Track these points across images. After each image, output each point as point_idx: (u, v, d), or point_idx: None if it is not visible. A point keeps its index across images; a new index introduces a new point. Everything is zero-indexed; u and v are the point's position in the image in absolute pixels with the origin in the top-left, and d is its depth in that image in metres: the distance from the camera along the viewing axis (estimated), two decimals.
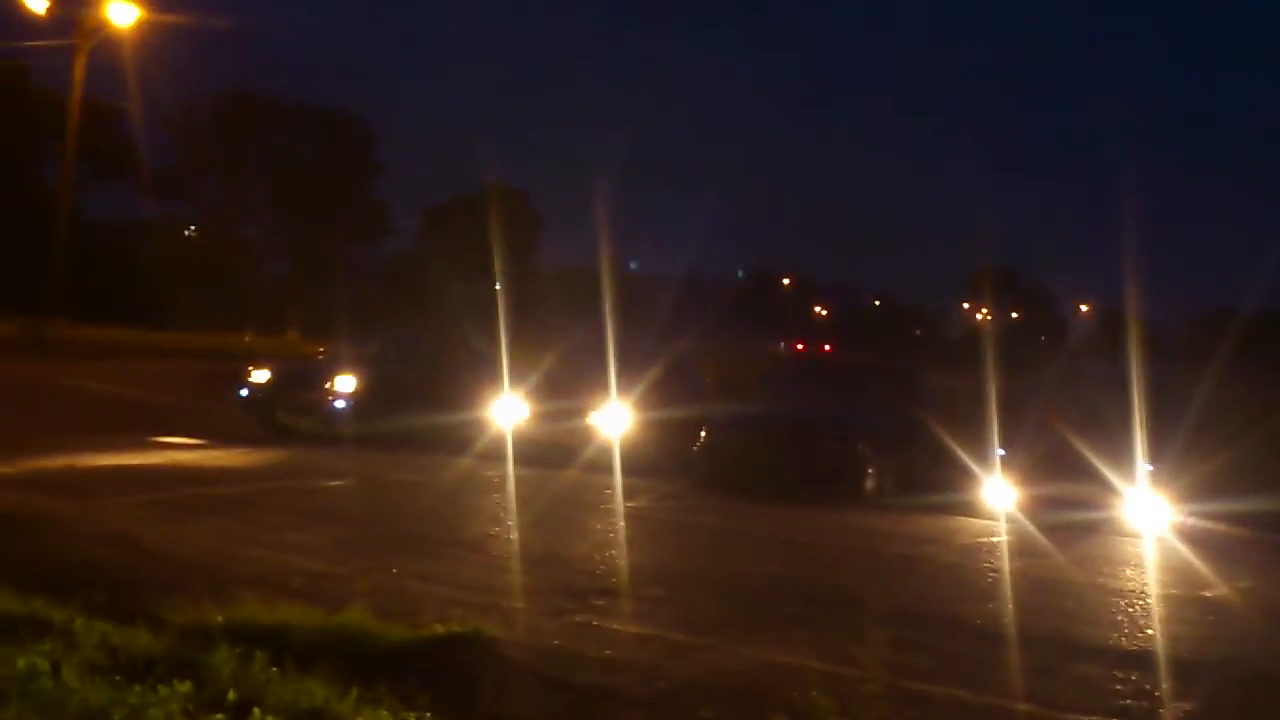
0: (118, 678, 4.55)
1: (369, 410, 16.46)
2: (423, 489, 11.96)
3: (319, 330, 37.16)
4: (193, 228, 62.77)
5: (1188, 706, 5.89)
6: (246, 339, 42.71)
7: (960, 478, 13.04)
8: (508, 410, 16.01)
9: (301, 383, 17.32)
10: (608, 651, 6.10)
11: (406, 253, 66.15)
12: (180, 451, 13.87)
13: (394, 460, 14.15)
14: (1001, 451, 12.69)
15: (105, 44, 32.56)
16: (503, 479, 12.70)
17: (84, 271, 38.72)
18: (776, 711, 4.80)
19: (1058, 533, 11.43)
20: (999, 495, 12.29)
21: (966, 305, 79.38)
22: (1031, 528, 11.72)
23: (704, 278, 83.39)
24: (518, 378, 16.41)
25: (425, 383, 17.36)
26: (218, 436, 15.33)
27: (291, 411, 17.01)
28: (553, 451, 14.90)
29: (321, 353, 20.43)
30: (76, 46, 31.89)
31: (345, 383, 16.73)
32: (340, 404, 16.60)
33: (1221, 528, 11.71)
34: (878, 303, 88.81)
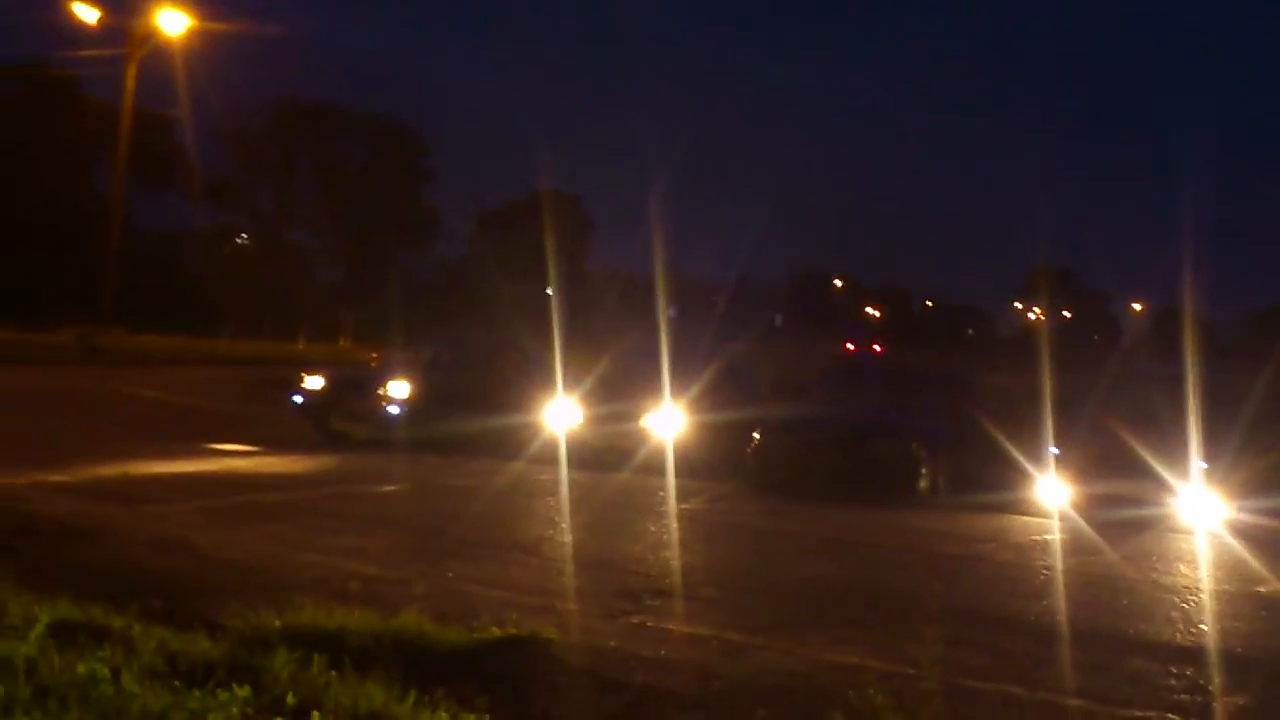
0: (176, 683, 4.59)
1: (423, 415, 16.64)
2: (477, 493, 12.08)
3: (371, 337, 37.51)
4: (244, 235, 63.49)
5: (1241, 701, 5.87)
6: (299, 346, 43.16)
7: (1013, 476, 12.99)
8: (561, 414, 16.13)
9: (355, 389, 17.52)
10: (662, 652, 6.14)
11: (459, 258, 66.62)
12: (234, 458, 14.04)
13: (448, 465, 14.30)
14: (1054, 450, 12.62)
15: (156, 53, 33.06)
16: (556, 482, 12.80)
17: (136, 280, 39.26)
18: (833, 710, 4.82)
19: (1111, 530, 11.37)
20: (1052, 493, 12.22)
21: (1019, 305, 78.64)
22: (1085, 525, 11.66)
23: (756, 280, 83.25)
24: (571, 381, 16.53)
25: (478, 387, 17.53)
26: (272, 443, 15.51)
27: (346, 418, 17.21)
28: (606, 455, 15.00)
29: (375, 359, 20.66)
30: (127, 55, 32.40)
31: (399, 388, 16.92)
32: (394, 409, 16.79)
33: (1275, 524, 11.58)
34: (929, 304, 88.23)
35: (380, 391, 16.99)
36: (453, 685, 5.04)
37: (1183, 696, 5.85)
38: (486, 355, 19.15)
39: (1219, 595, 8.67)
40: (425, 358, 18.24)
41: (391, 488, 12.34)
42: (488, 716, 4.78)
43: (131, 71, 32.62)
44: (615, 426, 15.99)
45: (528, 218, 54.22)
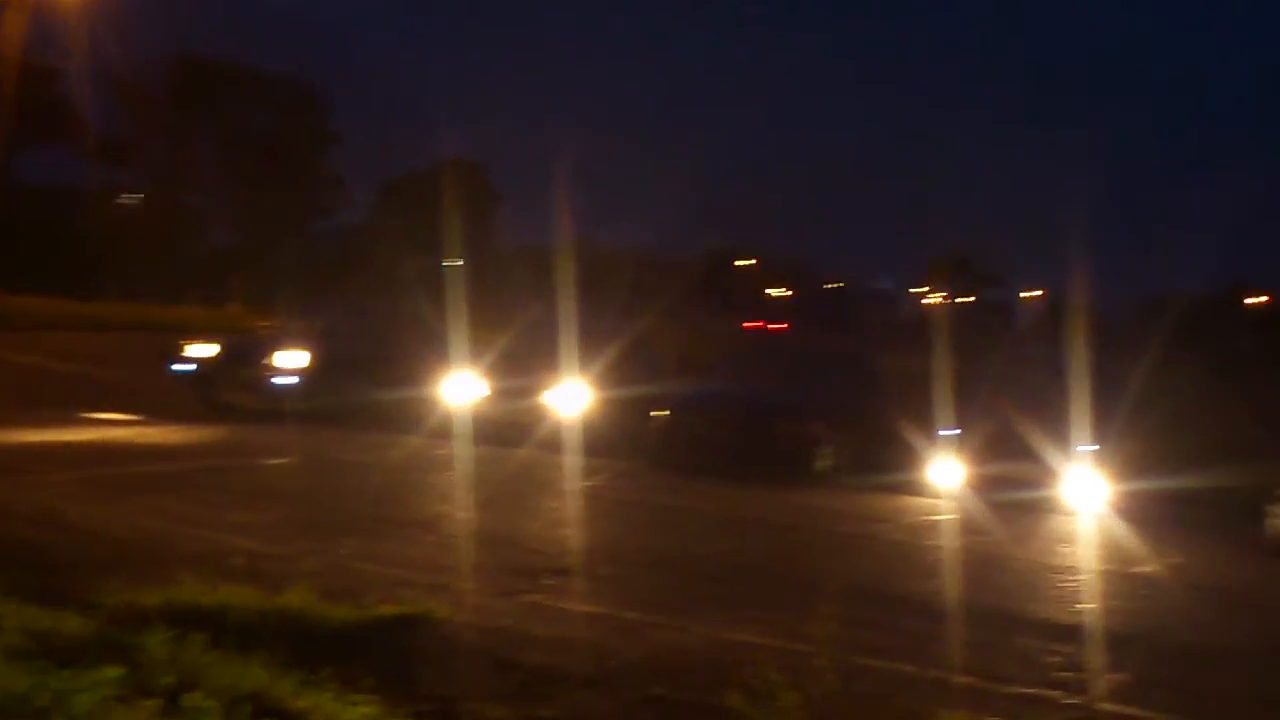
0: (43, 663, 4.33)
1: (316, 387, 16.15)
2: (371, 467, 11.84)
3: (264, 303, 36.57)
4: (132, 194, 61.40)
5: (1121, 678, 6.02)
6: (186, 311, 41.81)
7: (911, 457, 13.18)
8: (461, 388, 15.88)
9: (246, 358, 16.86)
10: (558, 631, 6.09)
11: (360, 226, 65.38)
12: (116, 428, 13.53)
13: (342, 438, 13.98)
14: (950, 432, 12.82)
15: (48, 3, 31.72)
16: (454, 458, 12.59)
17: (16, 238, 37.65)
18: (728, 687, 4.83)
19: (1002, 511, 11.64)
20: (947, 475, 12.42)
21: (921, 289, 79.86)
22: (977, 506, 11.90)
23: (664, 256, 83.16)
24: (473, 355, 16.26)
25: (376, 359, 17.11)
26: (156, 413, 14.93)
27: (234, 387, 16.51)
28: (507, 430, 14.82)
29: (267, 327, 20.05)
30: (12, 3, 31.00)
31: (291, 358, 16.35)
32: (286, 380, 16.28)
33: (1156, 505, 11.96)
34: (836, 285, 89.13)
35: (270, 361, 16.42)
36: (340, 665, 4.89)
37: (1065, 673, 5.99)
38: (385, 326, 18.73)
39: (1101, 575, 8.92)
40: (319, 327, 17.71)
41: (281, 461, 12.02)
42: (375, 697, 4.66)
43: (17, 20, 31.24)
44: (517, 401, 15.82)
45: (432, 187, 53.42)
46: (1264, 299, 69.28)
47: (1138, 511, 11.78)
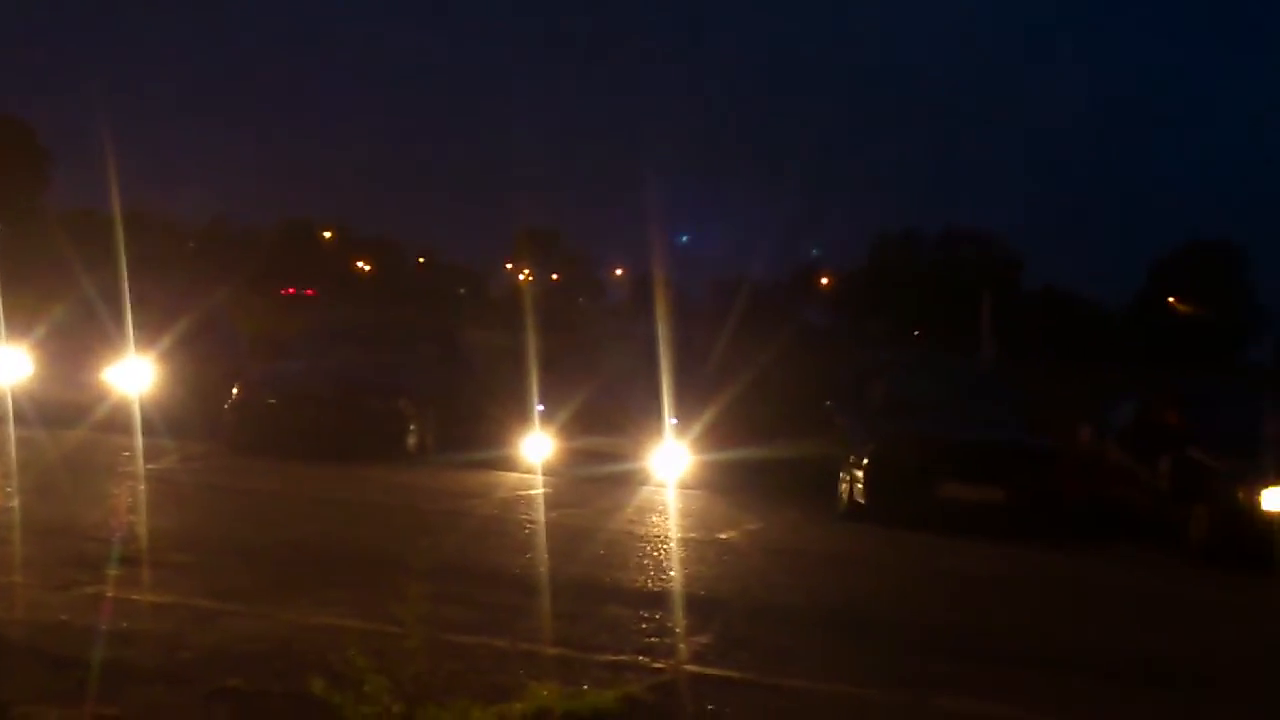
0: None
1: None
2: None
3: None
4: None
5: (704, 640, 6.30)
6: None
7: (501, 433, 13.26)
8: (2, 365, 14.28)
9: None
10: (124, 624, 5.64)
11: None
12: None
13: None
14: (540, 407, 13.00)
15: None
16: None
17: None
18: (311, 673, 4.62)
19: (591, 484, 11.95)
20: (537, 450, 12.59)
21: (509, 265, 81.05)
22: (567, 480, 12.14)
23: (237, 224, 79.61)
24: (18, 330, 14.68)
25: None
26: None
27: None
28: (61, 411, 13.51)
29: None
30: None
31: None
32: None
33: (736, 475, 12.70)
34: (421, 260, 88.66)
35: None
36: None
37: (653, 639, 6.20)
38: None
39: (686, 543, 9.33)
40: None
41: None
42: None
43: None
44: (71, 380, 14.44)
45: None
46: (828, 279, 76.15)
47: (720, 482, 12.47)
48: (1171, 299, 72.20)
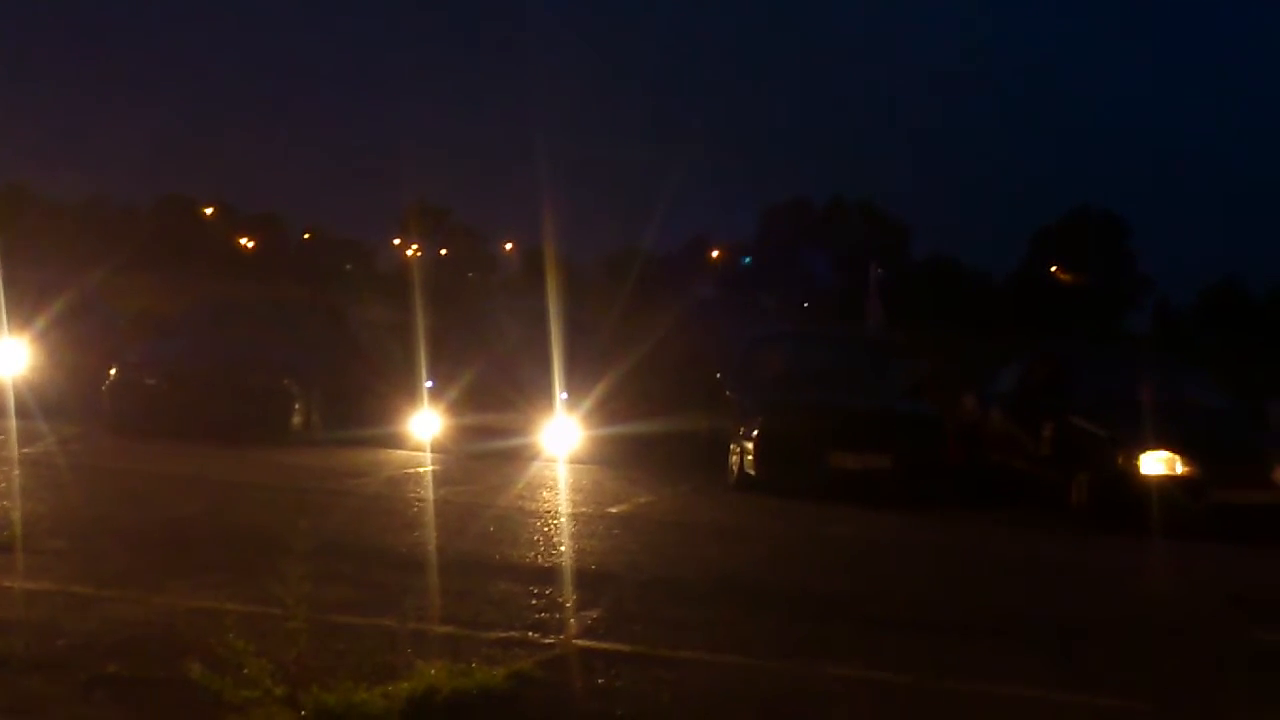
0: None
1: None
2: None
3: None
4: None
5: (594, 614, 6.30)
6: None
7: (389, 411, 13.10)
8: None
9: None
10: None
11: None
12: None
13: None
14: (429, 384, 12.86)
15: None
16: None
17: None
18: (190, 658, 4.52)
19: (481, 460, 11.88)
20: (426, 427, 12.45)
21: (397, 241, 79.89)
22: (456, 457, 12.05)
23: (117, 203, 77.33)
24: None
25: None
26: None
27: None
28: None
29: None
30: None
31: None
32: None
33: (627, 449, 12.72)
34: (307, 235, 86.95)
35: None
36: None
37: (543, 615, 6.18)
38: None
39: (577, 517, 9.32)
40: None
41: None
42: None
43: None
44: None
45: None
46: (718, 252, 76.67)
47: (611, 456, 12.48)
48: (1054, 267, 74.23)
